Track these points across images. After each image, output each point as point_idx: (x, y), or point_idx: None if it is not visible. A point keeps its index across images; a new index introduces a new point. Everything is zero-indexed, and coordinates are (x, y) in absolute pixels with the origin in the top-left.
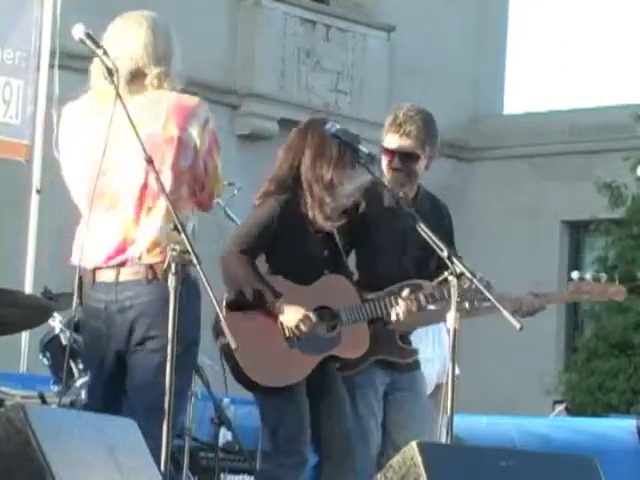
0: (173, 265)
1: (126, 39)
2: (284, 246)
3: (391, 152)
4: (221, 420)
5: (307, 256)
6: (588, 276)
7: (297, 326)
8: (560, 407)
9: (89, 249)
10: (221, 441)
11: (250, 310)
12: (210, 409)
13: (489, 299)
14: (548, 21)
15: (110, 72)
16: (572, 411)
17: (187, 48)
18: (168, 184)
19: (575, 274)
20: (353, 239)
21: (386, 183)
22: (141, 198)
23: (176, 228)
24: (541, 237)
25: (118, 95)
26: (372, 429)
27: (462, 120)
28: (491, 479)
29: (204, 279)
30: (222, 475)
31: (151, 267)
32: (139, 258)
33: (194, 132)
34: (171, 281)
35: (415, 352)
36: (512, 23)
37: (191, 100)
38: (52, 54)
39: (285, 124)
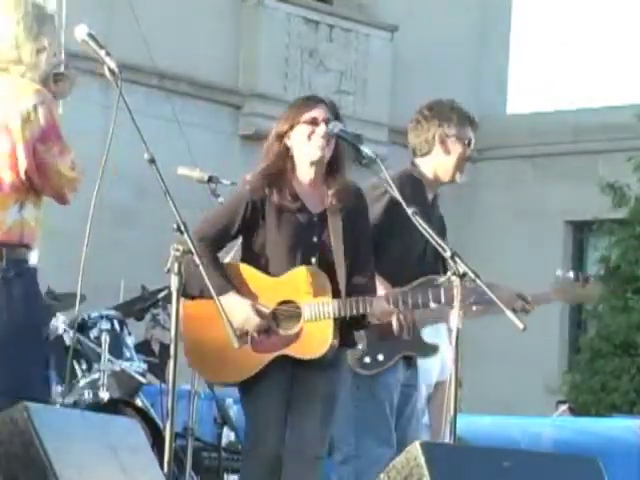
0: (176, 265)
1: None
2: (261, 233)
3: (468, 144)
4: (224, 420)
5: (289, 243)
6: (570, 274)
7: (242, 326)
8: (563, 407)
9: None
10: (224, 441)
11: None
12: (213, 409)
13: (492, 299)
14: (551, 21)
15: (113, 74)
16: (575, 411)
17: (190, 49)
18: None
19: (559, 272)
20: (386, 234)
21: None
22: None
23: (179, 228)
24: (544, 237)
25: (120, 95)
26: (391, 431)
27: None
28: (494, 479)
29: (206, 279)
30: (225, 475)
31: None
32: None
33: (13, 114)
34: (174, 281)
35: (436, 348)
36: (515, 23)
37: (26, 86)
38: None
39: None
